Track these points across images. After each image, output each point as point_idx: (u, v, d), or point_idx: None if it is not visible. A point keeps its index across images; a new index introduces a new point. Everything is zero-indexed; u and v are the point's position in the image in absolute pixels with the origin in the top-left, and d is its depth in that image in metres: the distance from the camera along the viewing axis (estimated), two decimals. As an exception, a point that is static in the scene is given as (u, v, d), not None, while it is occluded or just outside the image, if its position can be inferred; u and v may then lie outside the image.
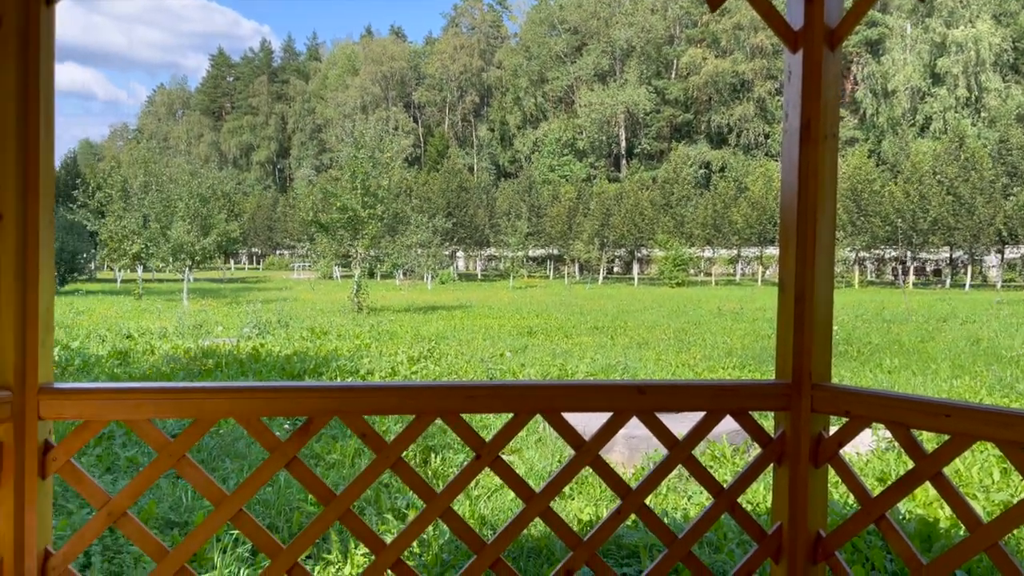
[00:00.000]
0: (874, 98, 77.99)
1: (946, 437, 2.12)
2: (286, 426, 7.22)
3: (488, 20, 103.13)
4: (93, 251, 45.17)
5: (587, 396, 2.41)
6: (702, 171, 78.82)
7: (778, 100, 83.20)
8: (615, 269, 70.78)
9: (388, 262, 27.12)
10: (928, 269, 60.44)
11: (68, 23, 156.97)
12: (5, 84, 2.05)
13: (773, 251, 59.30)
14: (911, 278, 54.74)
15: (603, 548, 3.65)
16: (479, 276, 66.02)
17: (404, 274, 50.18)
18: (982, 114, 71.30)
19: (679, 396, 2.45)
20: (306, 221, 27.41)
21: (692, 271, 59.32)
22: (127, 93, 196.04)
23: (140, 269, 36.51)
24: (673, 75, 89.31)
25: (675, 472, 6.29)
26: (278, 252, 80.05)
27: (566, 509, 5.39)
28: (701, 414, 2.42)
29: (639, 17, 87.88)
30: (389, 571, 2.29)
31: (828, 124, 2.39)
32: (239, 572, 4.21)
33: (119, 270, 44.65)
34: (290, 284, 49.77)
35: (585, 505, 5.49)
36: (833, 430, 2.39)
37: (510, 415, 2.32)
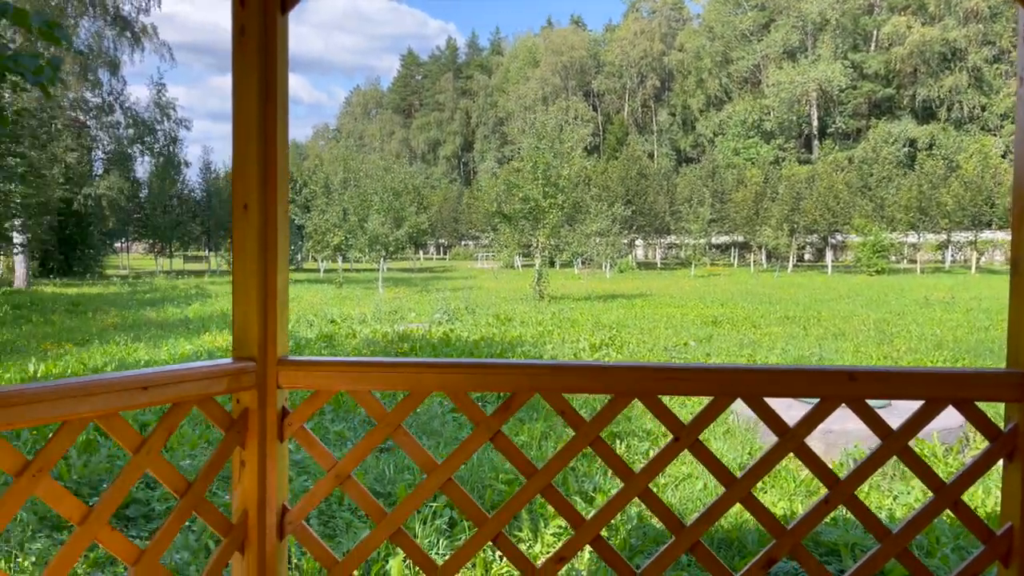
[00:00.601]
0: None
1: None
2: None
3: (669, 3, 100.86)
4: (300, 243, 49.25)
5: (792, 381, 2.32)
6: (905, 149, 72.64)
7: (996, 68, 74.95)
8: (806, 256, 67.05)
9: (568, 251, 27.37)
10: None
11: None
12: (248, 86, 2.30)
13: (989, 235, 53.66)
14: None
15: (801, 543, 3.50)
16: (659, 264, 64.99)
17: (583, 263, 50.44)
18: None
19: (893, 383, 2.29)
20: (489, 212, 28.24)
21: (894, 258, 55.01)
22: (327, 95, 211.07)
23: (340, 259, 39.28)
24: (872, 47, 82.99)
25: (879, 470, 5.90)
26: (463, 242, 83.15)
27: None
28: (916, 405, 2.26)
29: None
30: (588, 546, 2.34)
31: None
32: (438, 542, 4.46)
33: (321, 260, 48.31)
34: (475, 273, 51.58)
35: (779, 499, 5.29)
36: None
37: (704, 400, 2.29)
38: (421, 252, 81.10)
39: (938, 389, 2.24)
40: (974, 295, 26.11)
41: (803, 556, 2.30)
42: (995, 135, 70.58)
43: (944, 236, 55.07)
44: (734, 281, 40.26)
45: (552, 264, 58.69)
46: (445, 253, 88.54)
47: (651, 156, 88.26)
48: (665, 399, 2.38)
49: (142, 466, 2.04)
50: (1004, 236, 51.30)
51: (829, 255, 57.69)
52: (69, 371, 10.15)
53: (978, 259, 53.52)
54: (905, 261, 58.05)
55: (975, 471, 2.26)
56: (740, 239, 62.70)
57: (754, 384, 2.27)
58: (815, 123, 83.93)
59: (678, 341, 13.63)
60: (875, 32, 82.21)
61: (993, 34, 75.21)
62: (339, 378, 2.41)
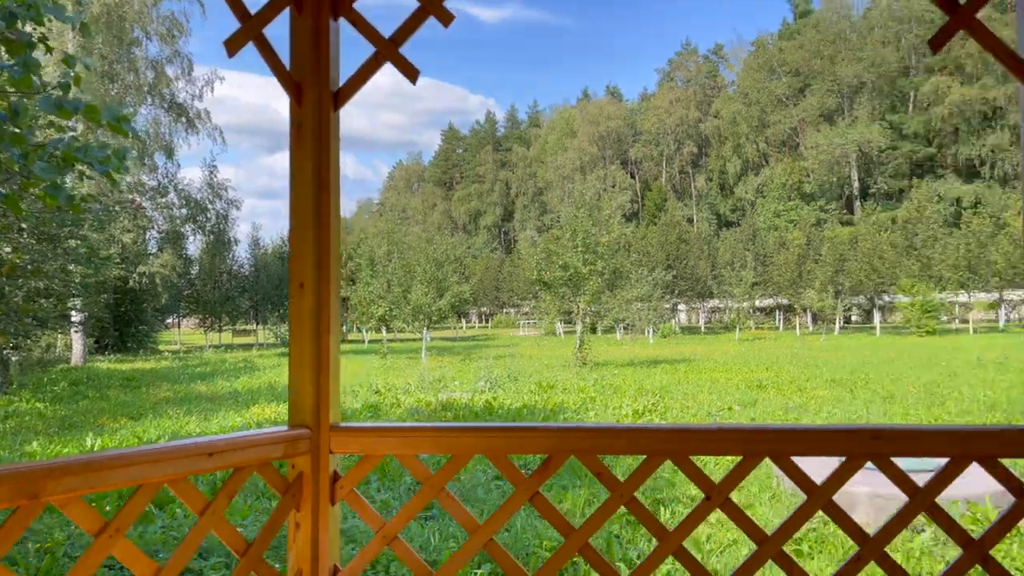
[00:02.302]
0: None
1: None
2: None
3: (704, 71, 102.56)
4: (344, 314, 50.07)
5: (818, 439, 2.41)
6: (951, 208, 71.68)
7: (1040, 123, 74.16)
8: (852, 318, 65.84)
9: (609, 317, 27.42)
10: None
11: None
12: (304, 176, 2.54)
13: (1045, 293, 52.17)
14: None
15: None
16: (702, 329, 64.41)
17: (625, 328, 50.27)
18: None
19: (918, 441, 2.36)
20: (530, 280, 28.51)
21: (944, 318, 53.76)
22: (372, 171, 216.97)
23: (384, 330, 39.83)
24: (911, 108, 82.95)
25: (931, 534, 5.79)
26: (505, 310, 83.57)
27: (805, 568, 5.16)
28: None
29: (868, 51, 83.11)
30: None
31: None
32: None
33: (365, 331, 48.96)
34: (516, 340, 51.68)
35: (826, 565, 5.23)
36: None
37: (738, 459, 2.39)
38: (464, 321, 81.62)
39: (963, 446, 2.31)
40: (1030, 355, 25.39)
41: (837, 613, 2.34)
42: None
43: (995, 295, 53.77)
44: (779, 344, 39.68)
45: (594, 331, 58.58)
46: (487, 321, 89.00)
47: (690, 221, 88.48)
48: (710, 465, 2.47)
49: (207, 527, 2.18)
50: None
51: (877, 316, 56.61)
52: (124, 445, 10.45)
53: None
54: (957, 321, 56.65)
55: (1004, 526, 2.30)
56: (784, 302, 61.97)
57: (781, 442, 2.37)
58: (856, 184, 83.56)
59: (722, 406, 13.51)
60: (913, 93, 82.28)
61: (1034, 91, 74.66)
62: (386, 442, 2.57)
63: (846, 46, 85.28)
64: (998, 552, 5.22)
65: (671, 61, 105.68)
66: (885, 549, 2.33)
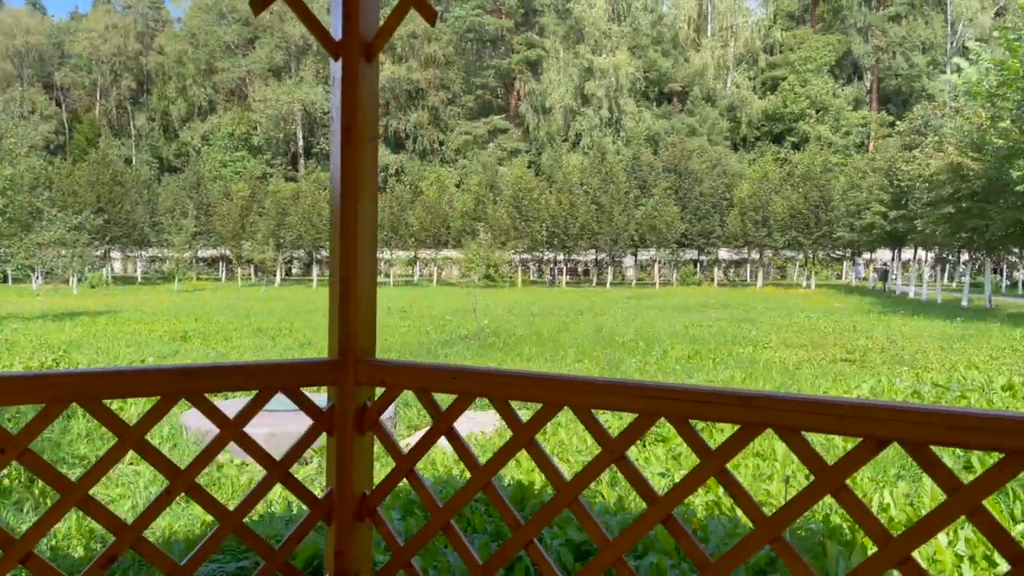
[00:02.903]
0: (535, 113, 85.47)
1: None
2: None
3: (146, 1, 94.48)
4: None
5: (134, 380, 2.40)
6: (381, 175, 79.85)
7: (450, 110, 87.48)
8: (294, 271, 69.07)
9: (14, 262, 23.68)
10: (579, 270, 67.78)
11: None
12: None
13: (447, 253, 62.20)
14: (564, 277, 61.01)
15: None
16: (139, 279, 60.18)
17: (44, 277, 44.29)
18: (620, 133, 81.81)
19: (229, 376, 2.55)
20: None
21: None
22: None
23: None
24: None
25: (316, 465, 6.42)
26: None
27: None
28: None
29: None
30: None
31: (368, 127, 2.68)
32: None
33: None
34: None
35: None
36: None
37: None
38: None
39: (268, 379, 2.56)
40: (428, 304, 30.04)
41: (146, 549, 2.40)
42: (451, 167, 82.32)
43: (412, 253, 62.17)
44: (219, 296, 39.46)
45: (5, 279, 49.96)
46: None
47: (129, 162, 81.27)
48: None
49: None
50: (458, 254, 60.01)
51: (315, 270, 60.44)
52: None
53: (439, 273, 61.74)
54: (381, 276, 63.89)
55: (301, 446, 2.64)
56: (227, 253, 61.76)
57: (94, 386, 2.30)
58: (300, 143, 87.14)
59: (136, 358, 12.85)
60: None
61: (448, 80, 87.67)
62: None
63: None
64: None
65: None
66: (195, 480, 2.46)
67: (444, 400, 2.41)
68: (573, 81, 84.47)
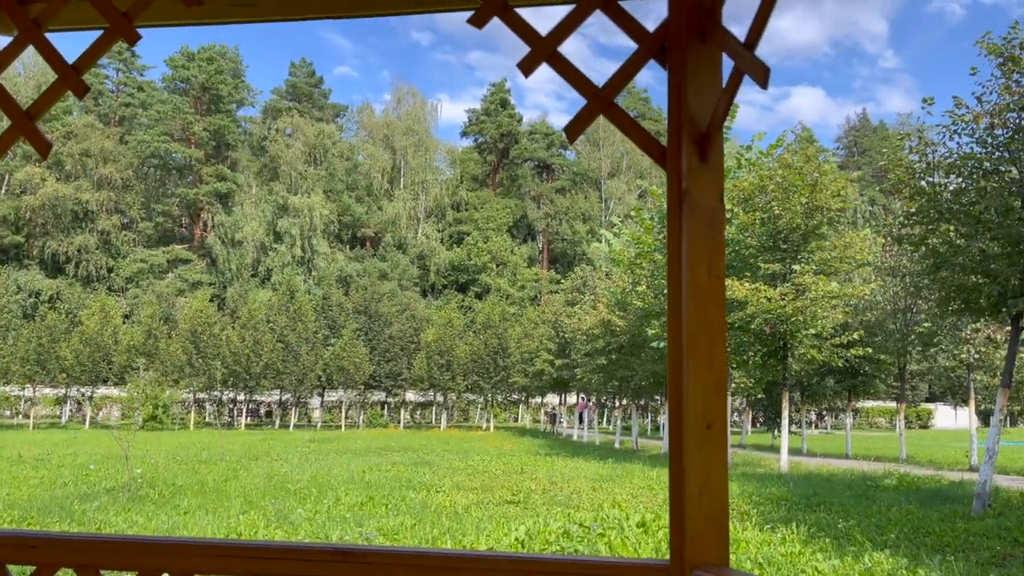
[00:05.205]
0: (223, 246, 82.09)
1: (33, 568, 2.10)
2: None
3: None
4: None
5: None
6: (31, 300, 70.21)
7: (125, 235, 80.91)
8: None
9: None
10: (262, 411, 64.23)
11: None
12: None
13: (105, 391, 55.52)
14: (244, 419, 57.34)
15: None
16: None
17: None
18: (312, 273, 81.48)
19: None
20: None
21: (8, 412, 51.55)
22: None
23: None
24: (2, 192, 79.24)
25: None
26: None
27: None
28: None
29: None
30: None
31: None
32: None
33: None
34: None
35: None
36: None
37: None
38: None
39: None
40: (73, 450, 26.21)
41: None
42: (120, 296, 75.08)
43: (63, 390, 54.42)
44: None
45: None
46: None
47: None
48: None
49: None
50: (120, 392, 53.80)
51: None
52: None
53: (96, 413, 54.48)
54: (20, 416, 54.73)
55: None
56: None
57: None
58: None
59: None
60: (7, 176, 78.99)
61: (124, 204, 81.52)
62: None
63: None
64: None
65: None
66: None
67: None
68: (266, 216, 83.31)
